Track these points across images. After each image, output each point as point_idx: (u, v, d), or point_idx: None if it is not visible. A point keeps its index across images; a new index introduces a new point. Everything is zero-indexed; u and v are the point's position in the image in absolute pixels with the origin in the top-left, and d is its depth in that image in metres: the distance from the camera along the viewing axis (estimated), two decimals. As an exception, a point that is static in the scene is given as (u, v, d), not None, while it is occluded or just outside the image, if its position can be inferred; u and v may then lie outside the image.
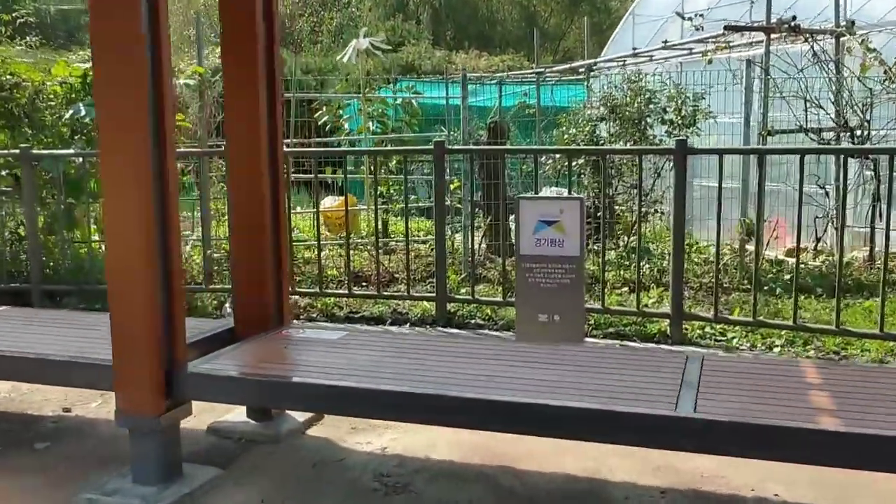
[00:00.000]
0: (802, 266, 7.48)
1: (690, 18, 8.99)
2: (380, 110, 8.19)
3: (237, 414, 3.89)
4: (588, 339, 5.47)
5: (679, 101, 7.56)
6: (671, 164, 8.15)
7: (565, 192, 10.03)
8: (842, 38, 7.86)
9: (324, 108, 8.27)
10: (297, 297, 6.53)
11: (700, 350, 5.23)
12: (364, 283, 7.12)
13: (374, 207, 7.29)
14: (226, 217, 5.66)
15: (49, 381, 3.92)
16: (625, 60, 11.00)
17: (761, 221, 5.32)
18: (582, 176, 8.25)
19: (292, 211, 9.07)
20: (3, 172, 6.71)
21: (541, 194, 9.42)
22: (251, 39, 3.65)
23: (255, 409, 3.84)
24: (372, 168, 7.38)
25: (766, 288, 6.64)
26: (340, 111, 8.20)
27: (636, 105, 7.76)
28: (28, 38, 10.12)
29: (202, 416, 3.74)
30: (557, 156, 8.26)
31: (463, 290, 6.59)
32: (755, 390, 2.81)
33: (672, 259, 5.48)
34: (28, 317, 4.46)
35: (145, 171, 3.03)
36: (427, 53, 24.11)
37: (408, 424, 3.69)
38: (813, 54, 7.33)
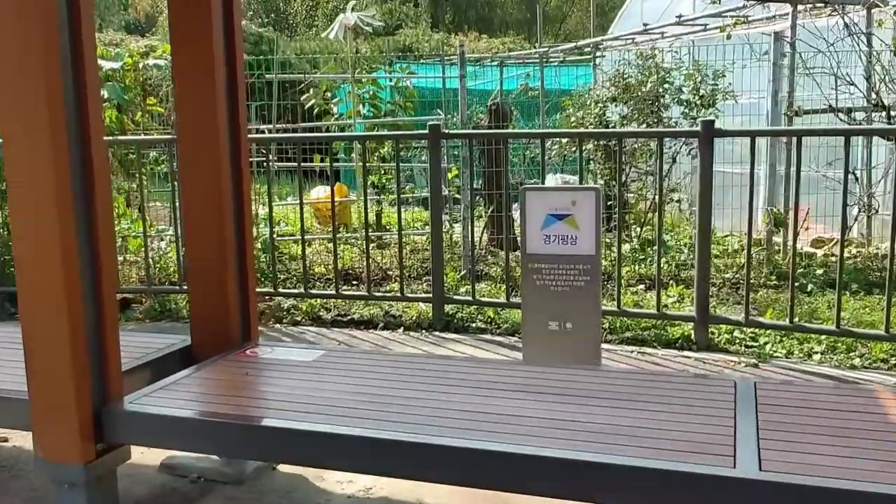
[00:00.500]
0: (834, 259, 6.89)
1: (706, -9, 8.32)
2: (371, 92, 7.55)
3: (196, 447, 3.30)
4: (602, 346, 4.88)
5: (697, 80, 6.92)
6: (688, 149, 7.57)
7: (571, 180, 9.42)
8: (873, 11, 7.22)
9: (311, 91, 7.64)
10: (280, 298, 5.94)
11: (731, 357, 4.64)
12: (355, 282, 6.53)
13: (366, 198, 6.69)
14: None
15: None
16: (634, 38, 10.34)
17: (797, 211, 4.70)
18: (591, 162, 7.63)
19: (278, 203, 8.49)
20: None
21: (547, 184, 8.81)
22: (204, 2, 3.04)
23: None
24: (363, 155, 6.77)
25: (796, 284, 6.03)
26: (329, 93, 7.57)
27: (650, 84, 7.13)
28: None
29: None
30: (564, 141, 7.64)
31: (462, 290, 6.00)
32: (831, 433, 2.22)
33: (696, 255, 4.88)
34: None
35: (62, 161, 2.42)
36: (425, 36, 23.43)
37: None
38: (844, 26, 6.68)
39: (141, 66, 6.72)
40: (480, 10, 32.50)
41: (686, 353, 4.79)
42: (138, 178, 6.10)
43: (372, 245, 7.13)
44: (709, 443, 2.18)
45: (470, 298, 5.45)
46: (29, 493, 3.10)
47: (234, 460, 3.19)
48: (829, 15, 7.24)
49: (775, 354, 4.71)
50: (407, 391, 2.66)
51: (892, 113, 6.59)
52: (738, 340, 4.91)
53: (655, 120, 7.19)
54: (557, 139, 7.79)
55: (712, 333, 4.95)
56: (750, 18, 8.21)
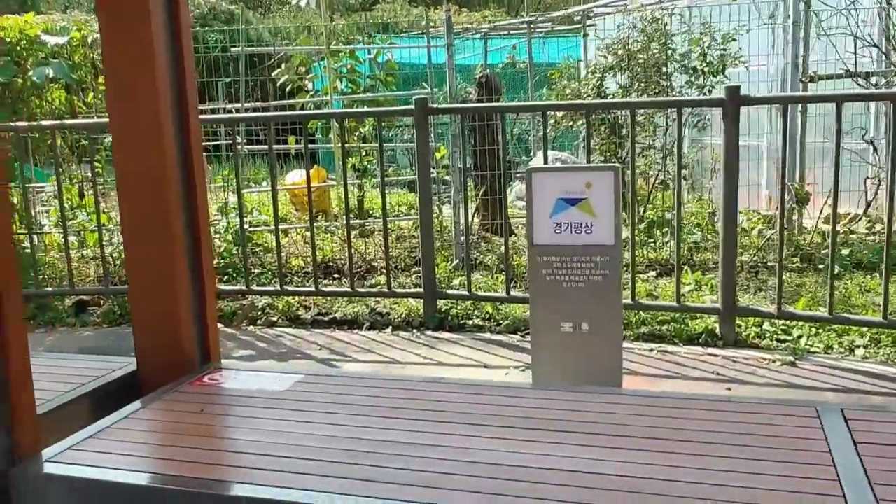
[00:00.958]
0: (855, 237, 6.39)
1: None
2: (349, 66, 6.91)
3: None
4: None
5: (705, 45, 6.35)
6: (694, 121, 7.01)
7: (565, 157, 8.84)
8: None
9: (283, 67, 6.99)
10: (254, 296, 5.34)
11: (763, 354, 4.11)
12: (336, 276, 5.93)
13: (352, 182, 6.04)
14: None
15: None
16: (627, 3, 9.73)
17: (837, 187, 4.15)
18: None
19: (252, 189, 7.85)
20: None
21: (535, 163, 8.21)
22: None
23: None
24: (341, 135, 6.16)
25: (820, 267, 5.53)
26: (303, 68, 6.92)
27: (653, 50, 6.56)
28: None
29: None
30: (560, 115, 7.05)
31: (456, 282, 5.43)
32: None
33: (722, 240, 4.33)
34: None
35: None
36: (403, 11, 22.66)
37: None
38: (863, -18, 6.13)
39: (90, 40, 6.03)
40: (460, -15, 31.66)
41: (712, 350, 4.26)
42: (91, 166, 5.45)
43: (354, 233, 6.53)
44: (812, 491, 1.64)
45: (465, 293, 4.88)
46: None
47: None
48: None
49: (812, 349, 4.18)
50: (402, 431, 2.09)
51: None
52: (767, 334, 4.39)
53: (657, 90, 6.62)
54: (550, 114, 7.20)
55: (738, 326, 4.41)
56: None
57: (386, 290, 5.02)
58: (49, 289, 5.56)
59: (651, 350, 4.29)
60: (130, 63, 2.53)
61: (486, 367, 4.18)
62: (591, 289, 3.54)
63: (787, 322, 4.41)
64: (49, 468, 2.01)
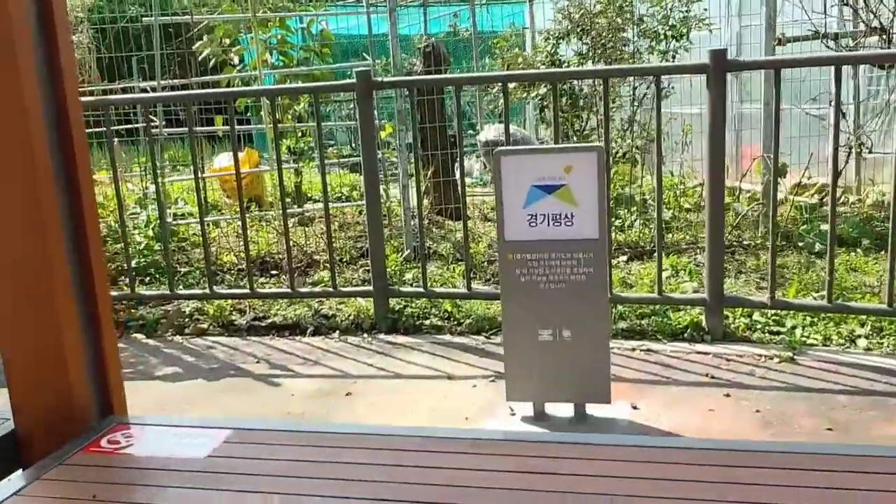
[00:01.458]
0: (827, 209, 6.02)
1: None
2: (280, 37, 6.23)
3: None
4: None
5: (668, 8, 5.88)
6: (657, 89, 6.55)
7: (521, 134, 8.30)
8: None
9: (205, 38, 6.27)
10: (180, 300, 4.71)
11: (757, 350, 3.68)
12: (274, 272, 5.32)
13: (287, 165, 5.36)
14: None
15: None
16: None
17: (836, 158, 3.71)
18: (545, 111, 6.55)
19: (174, 177, 7.11)
20: None
21: (485, 137, 7.66)
22: None
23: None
24: (273, 113, 5.50)
25: (799, 245, 5.15)
26: (227, 40, 6.22)
27: (609, 14, 6.06)
28: None
29: None
30: (512, 86, 6.51)
31: (409, 276, 4.88)
32: None
33: (707, 221, 3.88)
34: None
35: None
36: (336, -20, 21.71)
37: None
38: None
39: None
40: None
41: (700, 346, 3.82)
42: None
43: (292, 223, 5.91)
44: None
45: (421, 289, 4.34)
46: None
47: None
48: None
49: (809, 342, 3.78)
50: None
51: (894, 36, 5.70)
52: (759, 326, 3.97)
53: (616, 57, 6.13)
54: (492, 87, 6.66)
55: (725, 318, 3.98)
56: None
57: (331, 288, 4.44)
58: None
59: (633, 349, 3.83)
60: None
61: (449, 378, 3.66)
62: (572, 289, 3.03)
63: (779, 311, 3.99)
64: None
